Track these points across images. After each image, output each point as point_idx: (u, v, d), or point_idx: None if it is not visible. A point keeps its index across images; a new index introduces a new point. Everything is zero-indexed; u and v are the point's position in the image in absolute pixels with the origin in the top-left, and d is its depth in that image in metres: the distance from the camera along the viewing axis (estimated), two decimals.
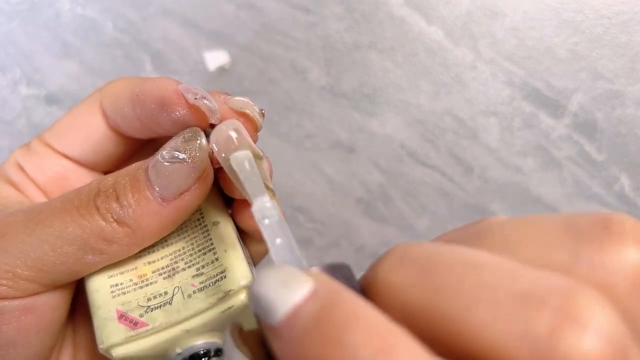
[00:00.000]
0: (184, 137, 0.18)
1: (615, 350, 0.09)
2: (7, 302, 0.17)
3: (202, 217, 0.20)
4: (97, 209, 0.17)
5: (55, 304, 0.18)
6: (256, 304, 0.10)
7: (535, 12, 0.43)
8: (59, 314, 0.19)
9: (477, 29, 0.43)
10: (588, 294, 0.09)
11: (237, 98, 0.20)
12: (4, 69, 0.44)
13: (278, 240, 0.14)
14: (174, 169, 0.17)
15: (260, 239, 0.21)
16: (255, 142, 0.20)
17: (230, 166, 0.17)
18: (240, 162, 0.17)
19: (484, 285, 0.10)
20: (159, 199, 0.17)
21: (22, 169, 0.21)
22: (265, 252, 0.22)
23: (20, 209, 0.18)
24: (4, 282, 0.17)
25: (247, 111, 0.19)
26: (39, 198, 0.21)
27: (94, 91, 0.21)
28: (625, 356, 0.09)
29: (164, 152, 0.17)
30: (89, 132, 0.21)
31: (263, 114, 0.20)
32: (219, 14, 0.44)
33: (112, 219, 0.17)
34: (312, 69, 0.43)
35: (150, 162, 0.18)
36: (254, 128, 0.20)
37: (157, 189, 0.17)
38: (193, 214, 0.20)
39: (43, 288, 0.17)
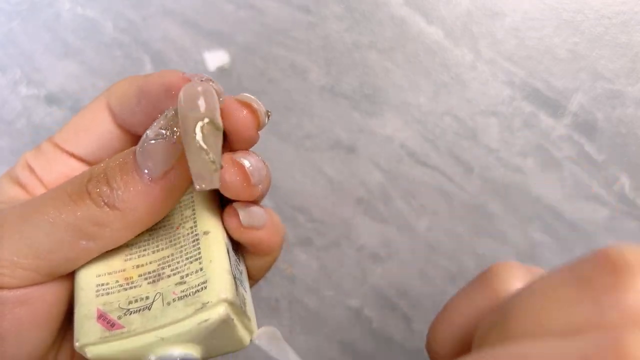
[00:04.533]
0: (166, 114, 0.18)
1: None
2: (5, 292, 0.17)
3: (195, 226, 0.20)
4: (89, 193, 0.17)
5: (51, 298, 0.18)
6: None
7: (535, 12, 0.42)
8: (56, 310, 0.19)
9: (477, 29, 0.43)
10: (631, 335, 0.09)
11: (245, 94, 0.20)
12: (4, 69, 0.44)
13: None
14: (158, 147, 0.17)
15: (254, 252, 0.21)
16: (256, 141, 0.20)
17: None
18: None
19: None
20: (146, 179, 0.17)
21: (31, 170, 0.21)
22: (267, 267, 0.22)
23: (20, 203, 0.19)
24: (3, 270, 0.17)
25: (253, 104, 0.19)
26: None
27: (101, 92, 0.21)
28: None
29: (149, 131, 0.18)
30: (96, 130, 0.21)
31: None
32: (219, 14, 0.44)
33: (103, 203, 0.17)
34: (312, 69, 0.43)
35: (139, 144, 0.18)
36: (256, 122, 0.20)
37: (144, 169, 0.17)
38: (187, 221, 0.20)
39: (41, 277, 0.18)
